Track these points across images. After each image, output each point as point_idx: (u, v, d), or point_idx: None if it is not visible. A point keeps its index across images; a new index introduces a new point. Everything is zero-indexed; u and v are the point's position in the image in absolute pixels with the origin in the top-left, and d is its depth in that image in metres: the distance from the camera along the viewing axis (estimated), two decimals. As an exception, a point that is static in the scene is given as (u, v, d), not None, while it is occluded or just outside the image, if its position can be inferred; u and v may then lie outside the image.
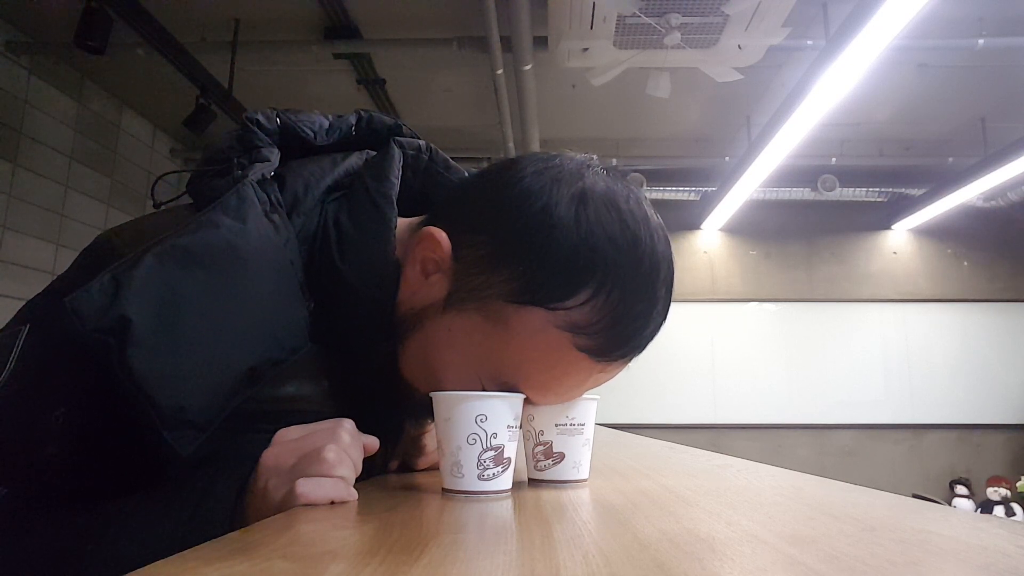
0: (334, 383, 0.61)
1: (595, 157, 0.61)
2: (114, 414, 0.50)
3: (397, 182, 0.65)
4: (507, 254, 0.56)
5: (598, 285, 0.54)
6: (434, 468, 0.64)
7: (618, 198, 0.57)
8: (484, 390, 0.58)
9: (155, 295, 0.49)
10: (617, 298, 0.54)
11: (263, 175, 0.59)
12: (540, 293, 0.54)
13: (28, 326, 0.53)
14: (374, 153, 0.70)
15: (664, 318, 0.58)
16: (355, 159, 0.68)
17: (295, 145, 0.66)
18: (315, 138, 0.67)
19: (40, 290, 0.57)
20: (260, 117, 0.63)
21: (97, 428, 0.52)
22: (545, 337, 0.55)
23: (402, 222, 0.64)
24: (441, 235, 0.59)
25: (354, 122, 0.70)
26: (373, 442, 0.55)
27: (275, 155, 0.62)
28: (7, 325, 0.56)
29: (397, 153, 0.68)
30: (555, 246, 0.54)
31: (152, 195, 0.69)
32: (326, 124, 0.68)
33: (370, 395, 0.64)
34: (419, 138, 0.72)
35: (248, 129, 0.62)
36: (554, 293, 0.54)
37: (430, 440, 0.72)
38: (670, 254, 0.58)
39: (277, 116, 0.64)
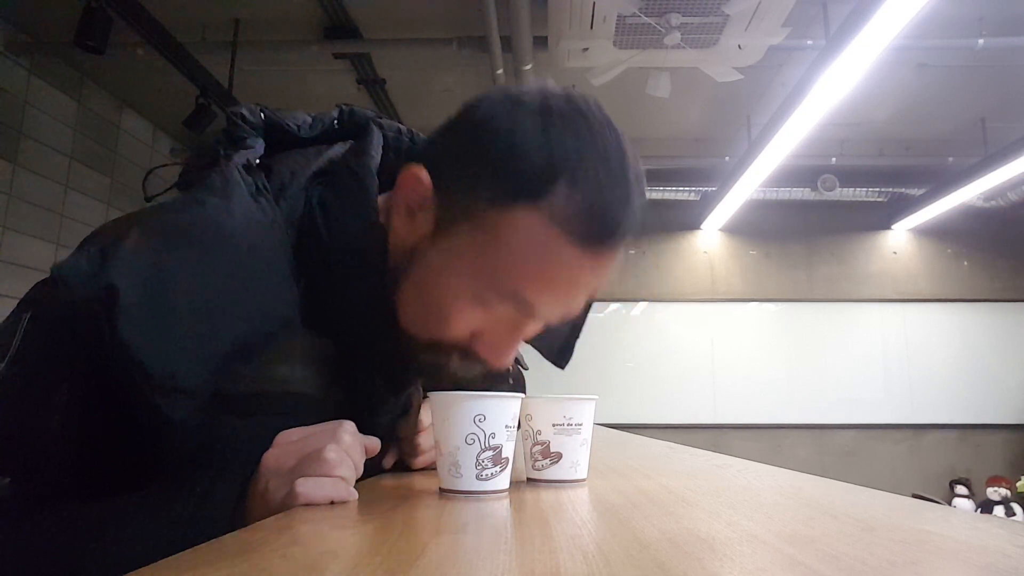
0: (329, 366, 0.61)
1: (552, 81, 0.62)
2: (114, 389, 0.51)
3: (377, 156, 0.67)
4: (483, 159, 0.56)
5: (572, 172, 0.54)
6: (431, 468, 0.64)
7: (578, 102, 0.58)
8: (485, 309, 0.57)
9: (141, 267, 0.50)
10: (593, 183, 0.55)
11: (248, 160, 0.61)
12: (522, 189, 0.54)
13: (30, 313, 0.55)
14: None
15: (641, 205, 0.58)
16: (338, 148, 0.69)
17: (280, 139, 0.67)
18: (299, 131, 0.68)
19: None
20: (244, 111, 0.65)
21: (99, 402, 0.52)
22: (534, 233, 0.54)
23: (383, 196, 0.65)
24: (419, 169, 0.60)
25: (336, 116, 0.72)
26: (374, 443, 0.55)
27: (260, 144, 0.64)
28: (12, 312, 0.56)
29: (377, 133, 0.69)
30: (527, 141, 0.55)
31: (144, 189, 0.70)
32: (308, 120, 0.70)
33: (369, 370, 0.64)
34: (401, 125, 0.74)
35: (233, 123, 0.64)
36: (534, 185, 0.54)
37: (425, 439, 0.71)
38: (635, 153, 0.59)
39: (261, 111, 0.66)
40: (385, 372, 0.65)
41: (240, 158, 0.60)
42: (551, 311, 0.59)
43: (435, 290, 0.59)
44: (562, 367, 0.78)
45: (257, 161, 0.62)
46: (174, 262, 0.52)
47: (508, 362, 0.61)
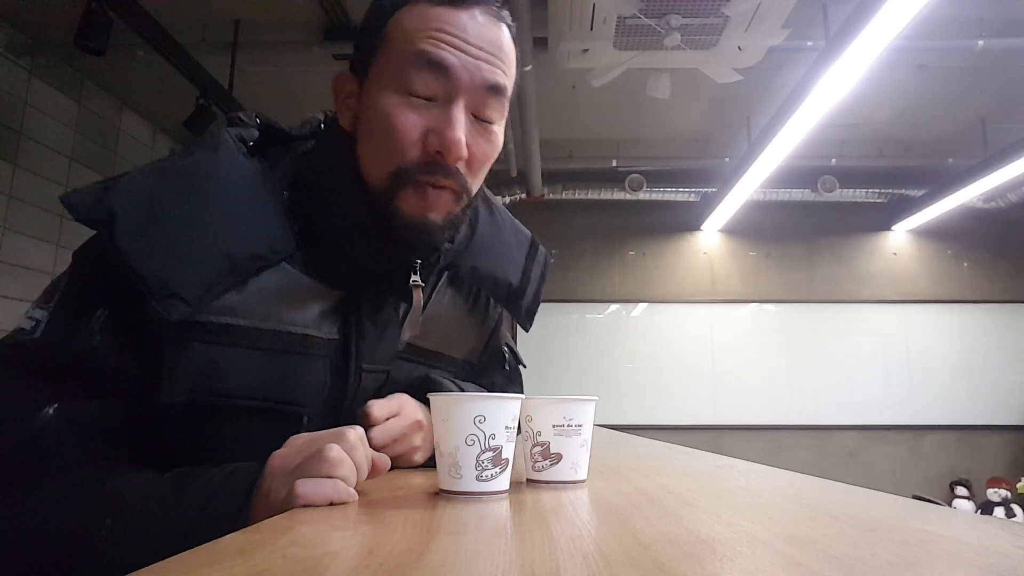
0: (329, 309, 0.68)
1: None
2: (141, 315, 0.59)
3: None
4: (367, 20, 0.69)
5: None
6: (430, 468, 0.64)
7: None
8: (416, 99, 0.64)
9: (136, 197, 0.61)
10: None
11: (241, 135, 0.70)
12: (391, 6, 0.67)
13: (71, 269, 0.64)
14: None
15: None
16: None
17: (273, 138, 0.76)
18: (289, 130, 0.78)
19: (42, 287, 0.65)
20: (241, 115, 0.75)
21: (130, 321, 0.60)
22: (413, 16, 0.66)
23: None
24: (340, 73, 0.71)
25: (321, 119, 0.80)
26: (384, 460, 0.57)
27: (254, 132, 0.73)
28: (60, 274, 0.66)
29: None
30: None
31: None
32: (296, 125, 0.80)
33: (372, 291, 0.70)
34: None
35: (232, 121, 0.73)
36: None
37: (375, 409, 0.68)
38: None
39: (256, 116, 0.76)
40: (385, 273, 0.70)
41: (234, 131, 0.70)
42: (463, 67, 0.65)
43: (377, 116, 0.66)
44: (527, 330, 0.89)
45: (251, 144, 0.71)
46: (164, 192, 0.63)
47: (460, 143, 0.64)
